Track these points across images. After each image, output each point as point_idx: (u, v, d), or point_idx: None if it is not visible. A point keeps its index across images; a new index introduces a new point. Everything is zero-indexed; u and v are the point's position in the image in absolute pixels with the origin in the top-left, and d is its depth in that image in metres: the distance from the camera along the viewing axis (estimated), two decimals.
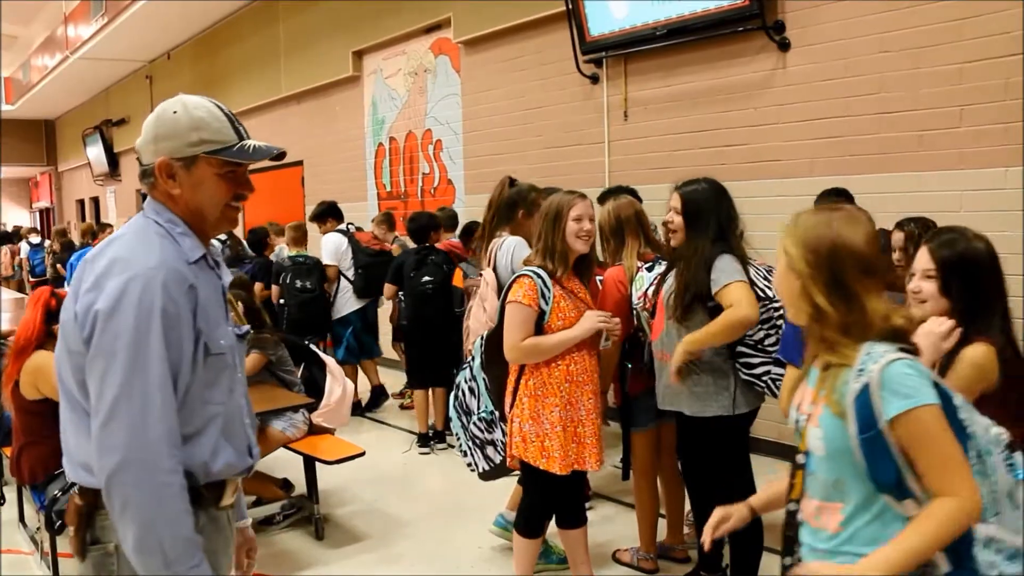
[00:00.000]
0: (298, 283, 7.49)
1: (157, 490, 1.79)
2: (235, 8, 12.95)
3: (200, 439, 1.93)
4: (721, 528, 2.21)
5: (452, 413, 4.05)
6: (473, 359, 3.96)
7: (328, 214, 8.03)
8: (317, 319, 7.60)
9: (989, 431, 1.86)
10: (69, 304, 1.90)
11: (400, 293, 6.90)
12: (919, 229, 4.14)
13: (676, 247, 3.64)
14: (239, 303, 5.11)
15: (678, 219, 3.60)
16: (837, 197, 4.61)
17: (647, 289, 3.88)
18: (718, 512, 2.24)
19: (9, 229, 20.51)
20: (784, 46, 5.65)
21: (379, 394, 7.96)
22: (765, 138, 5.81)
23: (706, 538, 2.24)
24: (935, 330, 2.38)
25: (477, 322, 4.52)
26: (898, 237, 4.18)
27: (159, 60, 16.51)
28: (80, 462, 1.91)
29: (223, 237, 8.94)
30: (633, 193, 4.75)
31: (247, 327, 2.22)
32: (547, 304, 3.50)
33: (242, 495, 2.30)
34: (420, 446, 6.63)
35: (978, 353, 2.33)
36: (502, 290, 4.19)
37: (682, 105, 6.37)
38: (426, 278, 6.47)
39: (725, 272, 3.43)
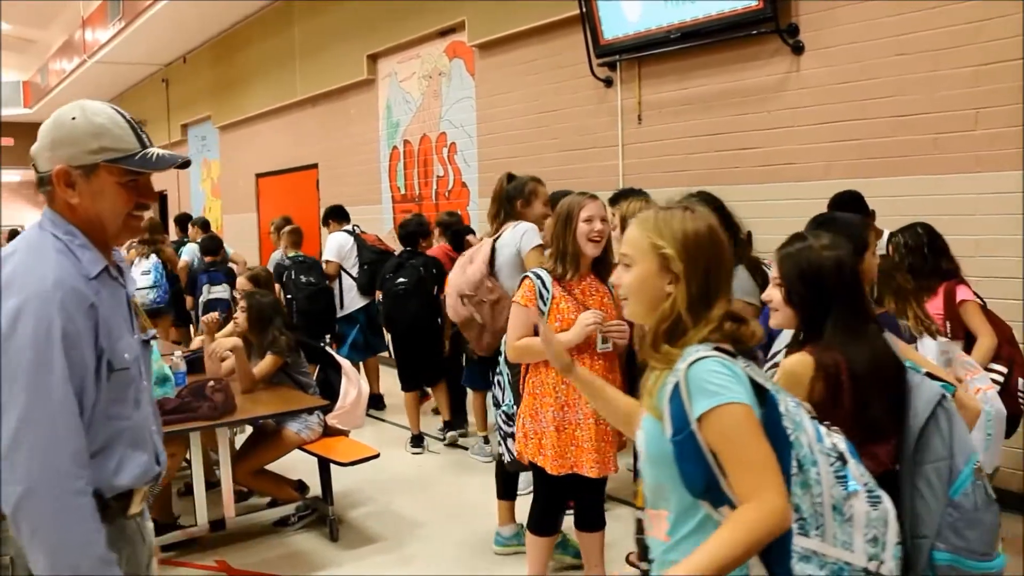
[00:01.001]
0: (303, 278, 7.68)
1: (67, 515, 1.75)
2: (250, 11, 13.02)
3: (107, 454, 1.89)
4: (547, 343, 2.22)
5: (490, 403, 4.15)
6: (500, 353, 4.05)
7: (331, 216, 8.36)
8: (326, 310, 7.74)
9: (823, 441, 1.77)
10: None
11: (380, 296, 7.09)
12: (908, 239, 4.11)
13: None
14: (255, 303, 5.16)
15: None
16: (851, 200, 4.61)
17: None
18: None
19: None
20: (798, 49, 5.65)
21: (376, 403, 7.96)
22: (780, 141, 5.80)
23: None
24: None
25: (455, 278, 5.00)
26: (891, 249, 4.15)
27: (175, 63, 16.61)
28: None
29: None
30: (644, 196, 4.75)
31: (153, 331, 2.19)
32: (545, 306, 3.52)
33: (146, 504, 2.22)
34: (412, 446, 6.68)
35: (790, 362, 2.24)
36: (493, 262, 4.77)
37: (696, 108, 6.37)
38: (400, 280, 6.56)
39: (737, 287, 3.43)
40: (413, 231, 6.86)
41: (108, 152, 1.87)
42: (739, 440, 1.66)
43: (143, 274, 8.93)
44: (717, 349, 1.74)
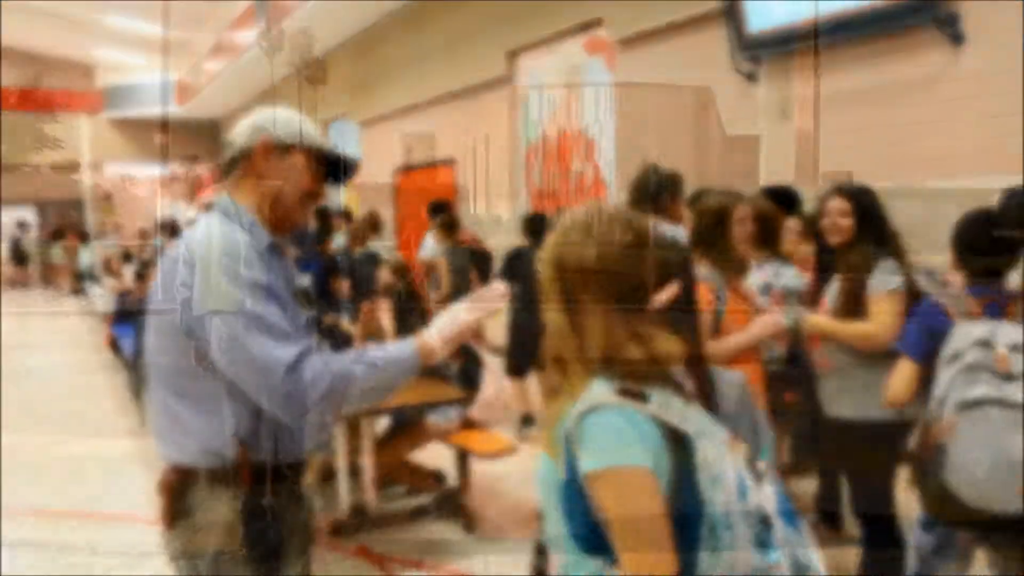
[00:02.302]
0: None
1: (333, 380, 1.88)
2: (388, 9, 13.29)
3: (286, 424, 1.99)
4: None
5: None
6: None
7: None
8: None
9: (746, 498, 1.53)
10: (159, 296, 1.98)
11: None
12: None
13: (840, 248, 3.49)
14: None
15: (845, 221, 3.44)
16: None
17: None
18: None
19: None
20: (957, 39, 5.40)
21: None
22: (936, 135, 5.56)
23: None
24: None
25: None
26: None
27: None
28: (172, 442, 1.99)
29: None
30: (794, 195, 4.65)
31: (312, 313, 2.30)
32: (722, 306, 3.43)
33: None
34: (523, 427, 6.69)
35: None
36: None
37: (845, 102, 6.16)
38: None
39: (882, 279, 3.29)
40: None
41: (306, 138, 2.09)
42: (628, 509, 1.47)
43: None
44: (624, 391, 1.53)
